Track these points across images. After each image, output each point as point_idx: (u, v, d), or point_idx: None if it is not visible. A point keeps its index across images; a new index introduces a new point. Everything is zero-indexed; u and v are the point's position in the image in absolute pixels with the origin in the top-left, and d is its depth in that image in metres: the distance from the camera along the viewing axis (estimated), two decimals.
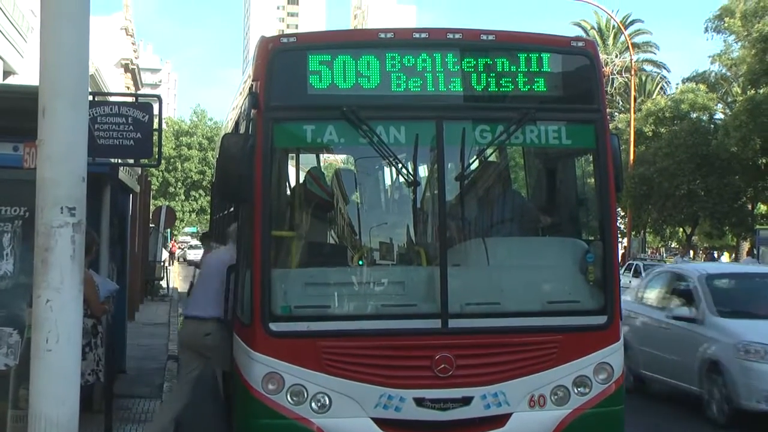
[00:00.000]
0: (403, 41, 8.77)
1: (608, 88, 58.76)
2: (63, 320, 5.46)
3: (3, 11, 25.90)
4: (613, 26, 69.35)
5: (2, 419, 8.02)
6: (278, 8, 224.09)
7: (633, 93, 49.82)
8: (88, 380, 9.40)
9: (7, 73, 26.25)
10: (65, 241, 5.47)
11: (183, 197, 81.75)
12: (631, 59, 53.96)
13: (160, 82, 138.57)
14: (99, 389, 11.09)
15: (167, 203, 59.50)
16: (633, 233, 52.06)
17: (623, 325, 9.12)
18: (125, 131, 10.23)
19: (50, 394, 5.49)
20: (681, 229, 54.18)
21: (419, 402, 8.23)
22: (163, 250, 38.56)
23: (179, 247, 78.65)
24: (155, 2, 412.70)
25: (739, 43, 43.72)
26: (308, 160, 9.73)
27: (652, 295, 16.25)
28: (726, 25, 43.07)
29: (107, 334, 10.59)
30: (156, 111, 10.43)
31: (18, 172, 8.40)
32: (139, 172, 19.31)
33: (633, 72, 51.90)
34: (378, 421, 8.22)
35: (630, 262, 42.41)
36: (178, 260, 68.31)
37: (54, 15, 5.57)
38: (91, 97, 9.80)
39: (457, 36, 8.74)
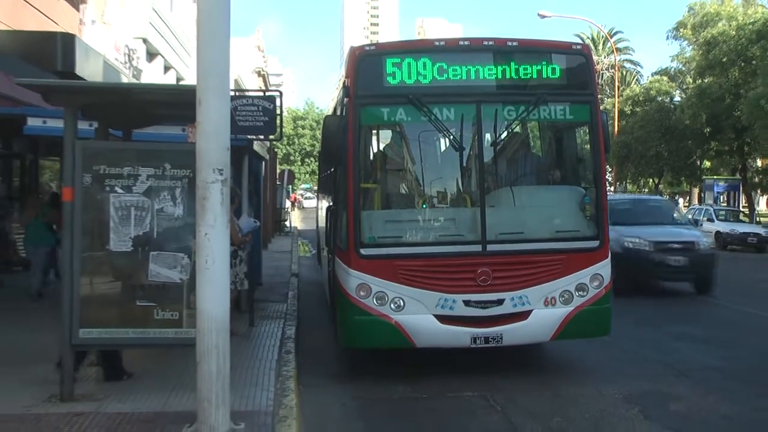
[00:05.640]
0: (452, 47, 8.71)
1: (599, 80, 57.51)
2: (216, 247, 5.47)
3: (176, 37, 26.26)
4: (602, 36, 67.73)
5: (179, 316, 8.11)
6: (364, 28, 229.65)
7: (617, 84, 48.57)
8: (231, 290, 9.47)
9: (178, 79, 26.63)
10: (216, 193, 5.45)
11: (299, 163, 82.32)
12: (615, 59, 53.13)
13: (282, 83, 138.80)
14: (244, 296, 11.22)
15: (289, 167, 59.85)
16: (617, 183, 51.24)
17: None
18: (257, 116, 10.23)
19: (210, 299, 5.50)
20: (651, 180, 53.15)
21: (466, 303, 8.25)
22: (287, 200, 38.77)
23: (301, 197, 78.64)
24: (280, 27, 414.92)
25: (691, 47, 43.56)
26: (385, 133, 9.65)
27: None
28: (681, 33, 43.20)
29: (249, 258, 10.66)
30: (278, 102, 10.41)
31: (185, 145, 8.49)
32: (268, 145, 19.38)
33: (616, 69, 51.13)
34: (437, 317, 8.26)
35: None
36: (298, 207, 68.57)
37: (207, 35, 5.50)
38: (232, 93, 9.81)
39: (490, 43, 8.70)
